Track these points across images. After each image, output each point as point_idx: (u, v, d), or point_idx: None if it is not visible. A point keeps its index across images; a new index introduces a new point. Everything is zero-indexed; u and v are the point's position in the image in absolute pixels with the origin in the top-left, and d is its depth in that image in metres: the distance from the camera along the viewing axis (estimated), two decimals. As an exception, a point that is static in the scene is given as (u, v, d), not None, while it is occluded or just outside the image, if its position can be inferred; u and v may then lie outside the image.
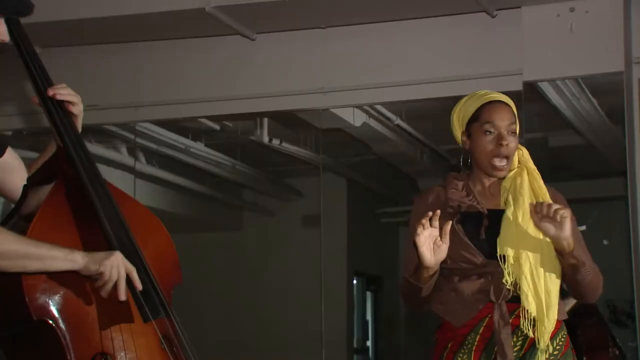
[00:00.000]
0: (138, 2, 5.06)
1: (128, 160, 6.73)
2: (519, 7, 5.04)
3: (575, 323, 5.64)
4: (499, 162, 2.78)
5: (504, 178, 2.83)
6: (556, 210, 2.62)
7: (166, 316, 2.41)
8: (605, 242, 6.30)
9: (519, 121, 2.85)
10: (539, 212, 2.65)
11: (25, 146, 6.01)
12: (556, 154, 6.97)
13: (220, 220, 8.98)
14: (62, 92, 2.48)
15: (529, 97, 5.17)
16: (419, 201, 2.88)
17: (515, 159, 2.83)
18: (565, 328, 2.80)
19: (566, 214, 2.62)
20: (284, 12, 5.08)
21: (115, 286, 2.28)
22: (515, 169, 2.83)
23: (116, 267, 2.27)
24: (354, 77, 5.43)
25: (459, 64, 5.21)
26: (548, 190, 2.82)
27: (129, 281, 2.33)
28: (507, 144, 2.76)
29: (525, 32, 5.03)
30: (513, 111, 2.82)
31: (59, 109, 2.47)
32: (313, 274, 6.84)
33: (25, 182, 2.51)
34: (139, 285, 2.32)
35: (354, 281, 9.28)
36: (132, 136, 6.55)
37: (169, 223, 2.64)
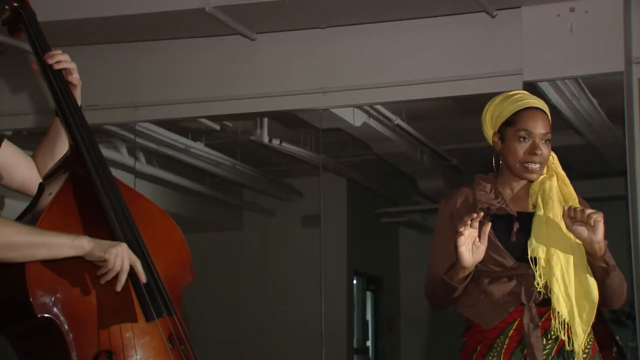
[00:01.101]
0: (138, 2, 5.06)
1: (128, 160, 6.73)
2: (519, 7, 5.04)
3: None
4: (532, 165, 2.78)
5: (532, 182, 2.83)
6: (590, 214, 2.62)
7: (170, 315, 2.41)
8: (605, 242, 6.29)
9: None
10: (572, 216, 2.65)
11: (25, 146, 6.01)
12: (556, 154, 6.96)
13: (220, 220, 8.98)
14: (61, 59, 2.51)
15: (529, 97, 5.17)
16: (446, 203, 2.88)
17: (548, 162, 2.85)
18: (592, 332, 2.78)
19: (599, 217, 2.63)
20: (284, 12, 5.08)
21: (116, 276, 2.29)
22: (544, 174, 2.84)
23: (121, 257, 2.29)
24: (354, 77, 5.43)
25: (459, 64, 5.21)
26: (578, 200, 2.83)
27: (134, 280, 2.34)
28: (540, 153, 2.78)
29: (525, 32, 5.03)
30: (549, 118, 2.84)
31: (71, 107, 2.50)
32: (313, 274, 6.85)
33: (30, 171, 2.53)
34: (143, 278, 2.34)
35: (354, 281, 9.28)
36: (132, 136, 6.55)
37: (170, 223, 2.64)
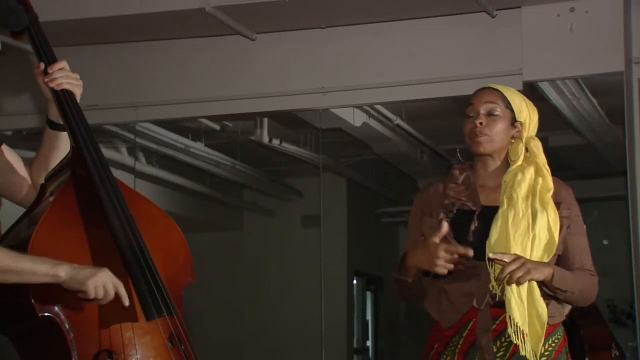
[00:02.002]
0: (138, 2, 5.06)
1: (128, 160, 6.73)
2: (519, 7, 5.03)
3: (578, 323, 5.65)
4: (476, 138, 2.75)
5: (481, 155, 2.78)
6: (507, 276, 2.53)
7: (170, 315, 2.41)
8: (605, 242, 6.31)
9: (519, 110, 2.80)
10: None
11: (26, 146, 6.01)
12: (556, 154, 6.97)
13: (220, 220, 8.98)
14: (63, 81, 2.53)
15: (529, 97, 5.15)
16: (419, 196, 2.88)
17: (518, 149, 2.78)
18: (560, 330, 2.75)
19: (517, 272, 2.52)
20: (284, 12, 5.08)
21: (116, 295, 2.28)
22: (519, 163, 2.77)
23: (101, 285, 2.25)
24: (354, 77, 5.43)
25: (459, 64, 5.21)
26: (557, 185, 2.76)
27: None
28: (480, 122, 2.74)
29: (525, 32, 5.03)
30: (503, 96, 2.79)
31: (73, 109, 2.51)
32: (313, 274, 6.85)
33: (24, 178, 2.53)
34: (125, 302, 2.30)
35: (354, 281, 9.28)
36: (132, 136, 6.55)
37: (170, 223, 2.65)
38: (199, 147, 7.31)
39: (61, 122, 2.56)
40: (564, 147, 7.08)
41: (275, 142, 7.06)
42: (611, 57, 4.89)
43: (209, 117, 6.50)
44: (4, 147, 2.55)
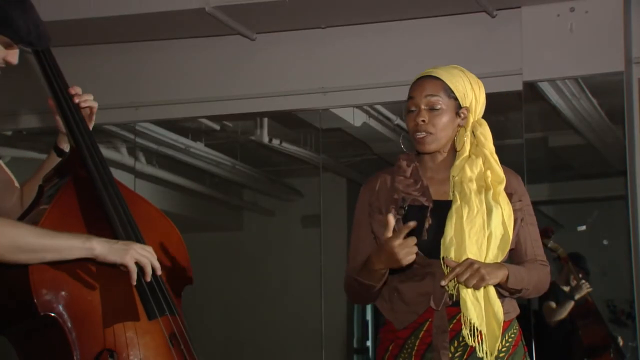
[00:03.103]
0: (138, 2, 5.06)
1: (128, 160, 6.73)
2: (519, 7, 5.04)
3: (577, 324, 5.65)
4: (418, 135, 2.63)
5: (426, 153, 2.67)
6: (465, 281, 2.46)
7: (172, 314, 2.41)
8: (605, 242, 6.30)
9: (463, 95, 2.66)
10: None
11: (26, 146, 6.02)
12: (556, 154, 6.96)
13: (220, 220, 8.97)
14: (86, 99, 2.57)
15: (529, 97, 5.18)
16: (365, 188, 2.74)
17: (462, 139, 2.66)
18: (515, 325, 2.67)
19: (472, 280, 2.45)
20: (284, 12, 5.08)
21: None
22: (466, 154, 2.66)
23: (140, 256, 2.32)
24: (354, 77, 5.43)
25: (459, 64, 5.15)
26: (506, 175, 2.65)
27: (138, 277, 2.35)
28: (422, 120, 2.61)
29: (525, 32, 5.04)
30: (444, 84, 2.64)
31: (74, 111, 2.53)
32: (313, 274, 6.84)
33: (9, 202, 2.53)
34: (149, 276, 2.35)
35: (354, 281, 9.27)
36: (132, 136, 6.54)
37: (169, 223, 2.65)
38: (199, 147, 7.31)
39: (67, 150, 2.57)
40: (564, 147, 7.07)
41: (275, 142, 7.06)
42: (611, 57, 4.89)
43: (209, 117, 6.50)
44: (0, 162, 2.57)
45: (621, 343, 5.86)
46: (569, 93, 5.78)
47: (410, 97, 2.66)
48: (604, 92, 5.95)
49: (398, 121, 6.80)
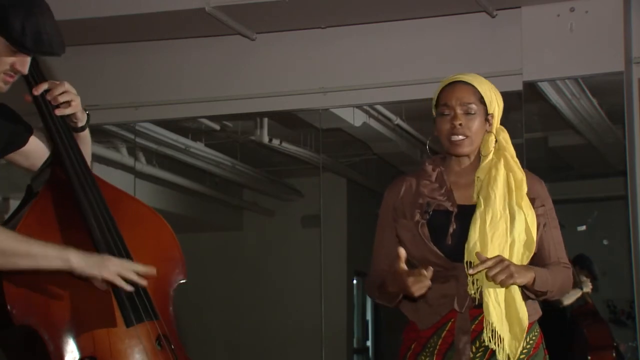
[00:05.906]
0: (138, 2, 5.06)
1: (128, 160, 6.73)
2: (519, 7, 5.04)
3: (579, 323, 5.65)
4: (454, 137, 2.68)
5: (462, 156, 2.72)
6: (494, 276, 2.50)
7: (151, 320, 2.38)
8: (605, 242, 6.30)
9: (490, 102, 2.72)
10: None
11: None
12: (556, 154, 6.97)
13: (220, 220, 8.97)
14: (56, 94, 2.44)
15: (529, 97, 5.18)
16: (390, 192, 2.79)
17: (489, 143, 2.72)
18: (537, 328, 2.70)
19: (501, 275, 2.49)
20: (284, 12, 5.08)
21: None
22: (490, 157, 2.72)
23: (120, 271, 2.27)
24: (354, 77, 5.43)
25: (459, 64, 5.20)
26: (529, 180, 2.71)
27: (115, 286, 2.32)
28: (460, 124, 2.67)
29: (525, 32, 5.04)
30: (476, 91, 2.71)
31: (51, 110, 2.45)
32: (313, 274, 6.84)
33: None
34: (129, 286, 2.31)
35: (354, 281, 9.27)
36: (132, 136, 6.54)
37: (168, 223, 2.64)
38: (199, 147, 7.31)
39: (79, 125, 2.49)
40: (564, 147, 7.07)
41: (275, 142, 7.06)
42: (611, 57, 4.89)
43: (209, 117, 6.50)
44: (33, 137, 2.53)
45: (621, 347, 5.87)
46: (569, 93, 5.78)
47: (442, 102, 2.73)
48: (604, 92, 5.95)
49: (398, 121, 6.81)
